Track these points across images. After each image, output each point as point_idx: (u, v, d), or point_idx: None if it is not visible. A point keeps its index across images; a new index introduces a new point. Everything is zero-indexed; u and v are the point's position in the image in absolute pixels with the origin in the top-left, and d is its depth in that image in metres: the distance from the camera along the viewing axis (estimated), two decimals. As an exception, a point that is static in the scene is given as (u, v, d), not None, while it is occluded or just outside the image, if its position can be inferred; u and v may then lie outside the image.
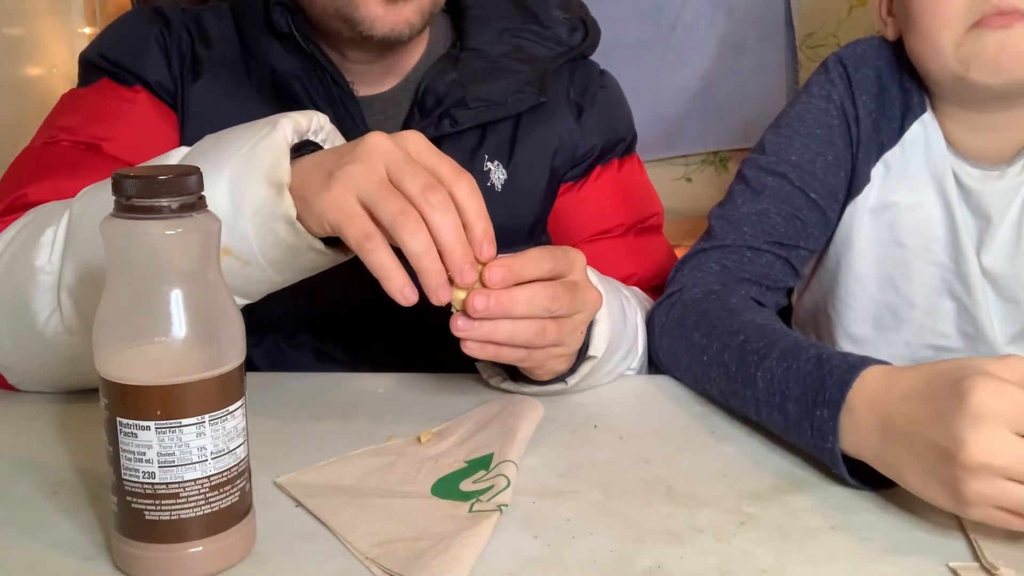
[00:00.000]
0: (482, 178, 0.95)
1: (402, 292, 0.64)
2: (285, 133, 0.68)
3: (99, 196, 0.72)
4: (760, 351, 0.74)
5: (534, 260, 0.69)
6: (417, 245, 0.63)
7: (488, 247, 0.66)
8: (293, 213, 0.67)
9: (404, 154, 0.66)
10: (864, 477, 0.65)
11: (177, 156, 0.72)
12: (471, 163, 0.95)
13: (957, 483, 0.57)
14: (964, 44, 0.86)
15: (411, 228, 0.63)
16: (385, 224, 0.64)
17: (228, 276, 0.64)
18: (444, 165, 0.66)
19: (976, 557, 0.58)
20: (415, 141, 0.67)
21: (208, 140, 0.72)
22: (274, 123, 0.69)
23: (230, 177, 0.67)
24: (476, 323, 0.68)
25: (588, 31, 1.03)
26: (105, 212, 0.71)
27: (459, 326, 0.68)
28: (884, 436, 0.62)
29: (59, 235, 0.73)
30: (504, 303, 0.67)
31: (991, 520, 0.57)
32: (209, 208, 0.55)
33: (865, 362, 0.66)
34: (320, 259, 0.70)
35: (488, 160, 0.95)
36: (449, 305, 0.68)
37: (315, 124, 0.72)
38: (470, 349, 0.69)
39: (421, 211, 0.63)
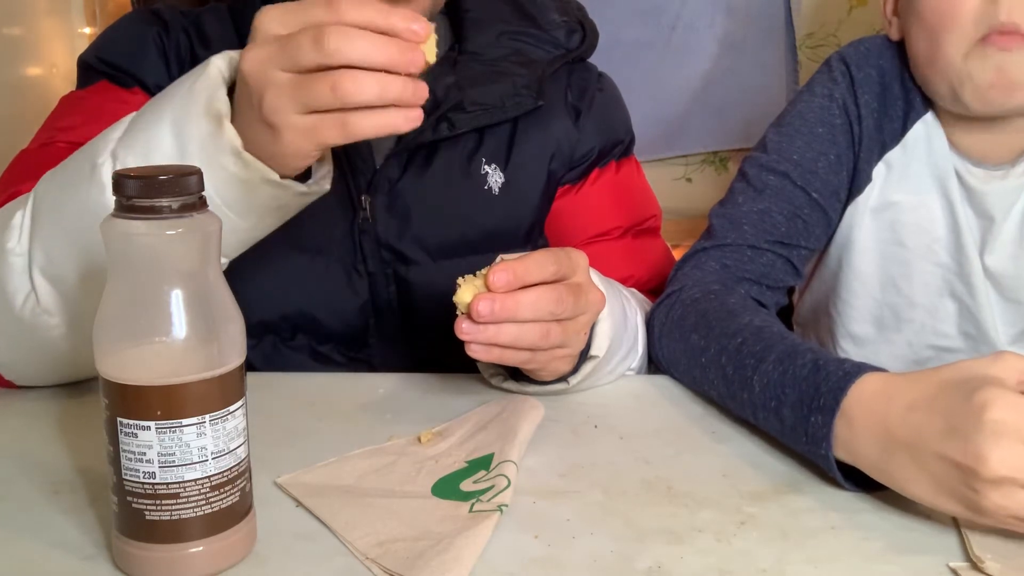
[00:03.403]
0: (480, 181, 0.95)
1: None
2: (218, 67, 0.68)
3: (58, 174, 0.73)
4: (757, 354, 0.74)
5: (538, 263, 0.69)
6: (367, 87, 0.61)
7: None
8: (238, 143, 0.66)
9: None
10: (860, 480, 0.65)
11: (126, 121, 0.72)
12: (468, 167, 0.95)
13: (976, 495, 0.57)
14: (968, 60, 0.86)
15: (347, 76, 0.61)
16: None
17: None
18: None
19: (965, 551, 0.58)
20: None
21: (153, 99, 0.72)
22: (206, 63, 0.69)
23: (171, 121, 0.67)
24: (480, 326, 0.68)
25: (586, 34, 1.03)
26: (65, 187, 0.72)
27: (464, 329, 0.68)
28: (885, 446, 0.62)
29: (26, 217, 0.73)
30: (509, 307, 0.67)
31: (1006, 526, 0.57)
32: (207, 210, 0.55)
33: (861, 369, 0.66)
34: (280, 193, 0.69)
35: (485, 163, 0.95)
36: (454, 307, 0.69)
37: None
38: (474, 352, 0.69)
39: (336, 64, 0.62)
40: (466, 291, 0.68)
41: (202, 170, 0.65)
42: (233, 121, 0.67)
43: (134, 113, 0.72)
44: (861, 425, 0.63)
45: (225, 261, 0.73)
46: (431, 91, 0.94)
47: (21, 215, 0.74)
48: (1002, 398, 0.57)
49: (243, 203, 0.69)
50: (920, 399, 0.61)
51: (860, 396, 0.64)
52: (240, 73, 0.65)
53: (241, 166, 0.66)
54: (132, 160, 0.68)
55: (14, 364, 0.80)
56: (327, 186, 0.73)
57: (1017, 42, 0.83)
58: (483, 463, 0.68)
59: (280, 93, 0.63)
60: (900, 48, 0.96)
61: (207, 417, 0.53)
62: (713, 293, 0.87)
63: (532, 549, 0.59)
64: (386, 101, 0.62)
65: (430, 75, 0.95)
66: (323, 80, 0.62)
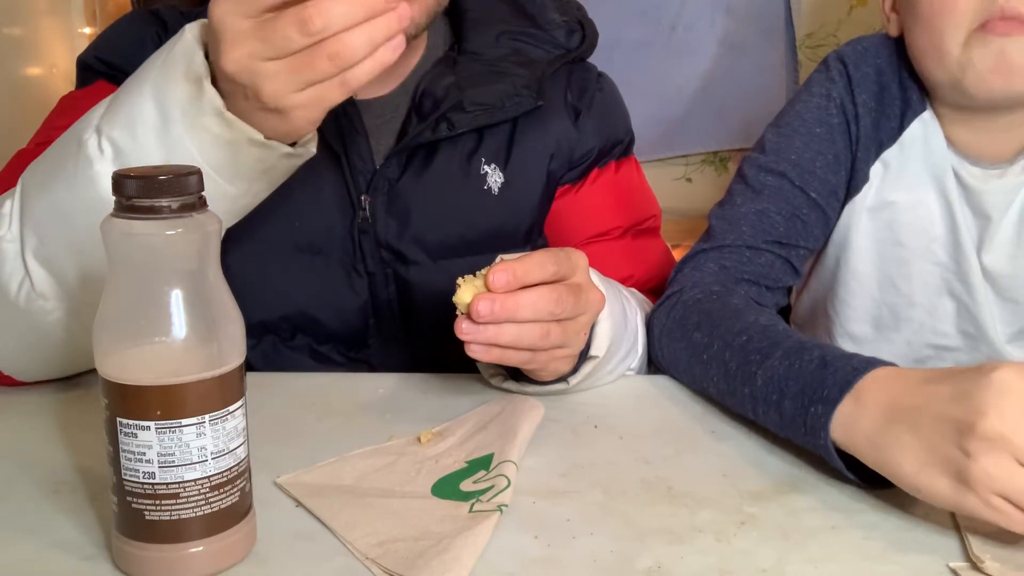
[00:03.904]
0: (479, 181, 0.95)
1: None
2: (193, 34, 0.69)
3: (43, 160, 0.75)
4: (763, 350, 0.74)
5: (538, 263, 0.69)
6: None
7: None
8: (219, 103, 0.66)
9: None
10: (862, 474, 0.65)
11: (107, 100, 0.72)
12: (468, 166, 0.95)
13: (967, 460, 0.56)
14: (967, 47, 0.85)
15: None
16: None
17: None
18: None
19: (965, 551, 0.58)
20: None
21: (132, 75, 0.73)
22: (181, 31, 0.70)
23: (152, 90, 0.68)
24: (480, 327, 0.68)
25: (586, 34, 1.03)
26: (51, 169, 0.73)
27: (464, 329, 0.68)
28: (887, 418, 0.62)
29: (15, 204, 0.74)
30: (509, 308, 0.67)
31: (987, 510, 0.56)
32: (207, 210, 0.55)
33: (871, 364, 0.66)
34: (265, 155, 0.69)
35: (485, 163, 0.95)
36: (454, 307, 0.68)
37: None
38: (474, 352, 0.69)
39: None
40: (466, 291, 0.68)
41: (186, 134, 0.66)
42: (237, 114, 0.67)
43: (113, 93, 0.73)
44: (871, 400, 0.63)
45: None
46: (431, 92, 0.94)
47: (10, 204, 0.75)
48: (1014, 366, 0.58)
49: (230, 167, 0.69)
50: (933, 375, 0.62)
51: (869, 384, 0.64)
52: (223, 74, 0.65)
53: (224, 126, 0.67)
54: (116, 131, 0.69)
55: (11, 357, 0.81)
56: (313, 149, 0.74)
57: (1018, 28, 0.83)
58: (483, 463, 0.68)
59: (276, 80, 0.64)
60: (898, 46, 0.96)
61: (207, 417, 0.53)
62: (715, 294, 0.87)
63: (532, 549, 0.59)
64: (377, 46, 0.63)
65: (429, 76, 0.96)
66: (318, 56, 0.62)
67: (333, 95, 0.65)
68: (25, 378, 0.83)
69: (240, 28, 0.63)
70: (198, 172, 0.54)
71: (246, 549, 0.57)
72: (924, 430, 0.59)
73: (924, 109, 0.94)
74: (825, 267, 1.03)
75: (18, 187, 0.75)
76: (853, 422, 0.64)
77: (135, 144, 0.68)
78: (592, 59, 1.06)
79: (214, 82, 0.67)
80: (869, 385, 0.64)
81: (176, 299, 0.53)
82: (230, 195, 0.71)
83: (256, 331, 0.93)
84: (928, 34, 0.89)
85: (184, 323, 0.53)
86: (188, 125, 0.67)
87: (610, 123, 1.04)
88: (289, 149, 0.71)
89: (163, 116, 0.67)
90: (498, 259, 0.70)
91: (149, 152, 0.68)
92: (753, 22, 2.01)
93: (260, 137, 0.68)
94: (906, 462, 0.60)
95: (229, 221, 0.74)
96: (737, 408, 0.77)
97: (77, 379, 0.85)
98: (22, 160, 0.91)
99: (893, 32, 0.96)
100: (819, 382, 0.67)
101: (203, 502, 0.54)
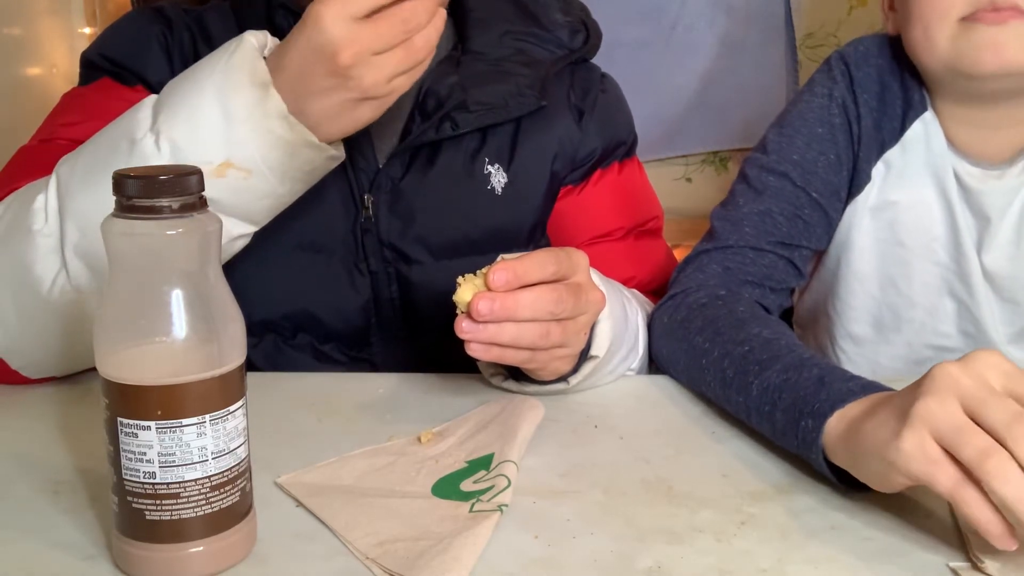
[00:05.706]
0: (483, 181, 0.95)
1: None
2: (251, 42, 0.74)
3: (83, 156, 0.76)
4: (762, 362, 0.74)
5: (538, 263, 0.69)
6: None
7: None
8: (284, 107, 0.72)
9: None
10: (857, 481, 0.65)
11: (150, 102, 0.75)
12: (472, 166, 0.95)
13: (916, 399, 0.57)
14: (958, 36, 0.86)
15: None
16: None
17: (232, 195, 0.73)
18: None
19: (965, 551, 0.58)
20: None
21: (176, 79, 0.76)
22: (239, 39, 0.75)
23: (215, 93, 0.72)
24: (480, 325, 0.68)
25: (589, 34, 1.03)
26: (97, 165, 0.74)
27: (463, 328, 0.68)
28: (862, 416, 0.62)
29: (51, 198, 0.75)
30: (508, 307, 0.68)
31: (920, 460, 0.56)
32: (208, 210, 0.55)
33: (868, 388, 0.66)
34: (315, 156, 0.75)
35: (488, 163, 0.95)
36: (454, 306, 0.69)
37: (270, 41, 0.78)
38: (474, 351, 0.69)
39: None
40: (466, 290, 0.69)
41: (250, 135, 0.72)
42: (313, 112, 0.73)
43: (153, 96, 0.76)
44: (859, 407, 0.63)
45: (253, 229, 0.78)
46: (435, 91, 0.94)
47: (44, 198, 0.76)
48: (961, 361, 0.58)
49: (284, 166, 0.74)
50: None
51: (856, 404, 0.64)
52: (340, 67, 0.70)
53: (287, 128, 0.72)
54: (177, 132, 0.72)
55: (29, 350, 0.81)
56: (343, 153, 0.80)
57: (1011, 16, 0.83)
58: (483, 463, 0.68)
59: (383, 70, 0.71)
60: (899, 47, 0.96)
61: (207, 417, 0.53)
62: (720, 299, 0.87)
63: (532, 549, 0.59)
64: (440, 32, 0.74)
65: (433, 75, 0.96)
66: (415, 48, 0.72)
67: (406, 84, 0.74)
68: (35, 373, 0.83)
69: (350, 27, 0.70)
70: (198, 172, 0.54)
71: (246, 549, 0.57)
72: (897, 413, 0.59)
73: (925, 109, 0.94)
74: (826, 267, 1.03)
75: (52, 183, 0.76)
76: (838, 431, 0.64)
77: (196, 143, 0.72)
78: (592, 60, 1.06)
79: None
80: (860, 403, 0.64)
81: (177, 299, 0.53)
82: (277, 193, 0.76)
83: (258, 330, 0.93)
84: (919, 24, 0.89)
85: (185, 323, 0.53)
86: (253, 127, 0.71)
87: (613, 124, 1.04)
88: (334, 152, 0.76)
89: (227, 118, 0.71)
90: (499, 258, 0.70)
91: (210, 150, 0.72)
92: (753, 22, 2.01)
93: (315, 139, 0.74)
94: (881, 431, 0.59)
95: (266, 219, 0.79)
96: (733, 413, 0.77)
97: (77, 379, 0.85)
98: (25, 157, 0.91)
99: (891, 30, 0.96)
100: (812, 396, 0.67)
101: (203, 502, 0.54)
